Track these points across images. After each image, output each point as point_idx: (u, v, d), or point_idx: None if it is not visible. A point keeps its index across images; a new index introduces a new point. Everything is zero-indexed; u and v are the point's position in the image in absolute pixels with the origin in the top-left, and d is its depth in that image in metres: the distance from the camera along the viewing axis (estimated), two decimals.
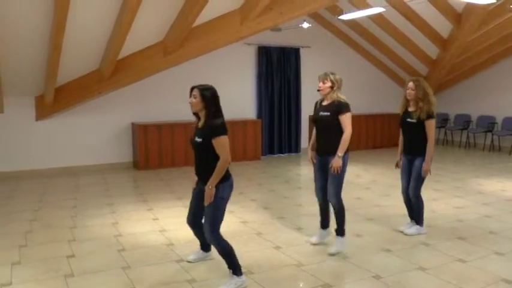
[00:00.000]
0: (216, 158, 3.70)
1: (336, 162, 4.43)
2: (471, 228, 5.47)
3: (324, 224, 4.91)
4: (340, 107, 4.47)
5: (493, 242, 4.98)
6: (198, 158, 3.88)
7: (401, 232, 5.26)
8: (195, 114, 3.89)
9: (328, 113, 4.51)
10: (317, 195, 4.83)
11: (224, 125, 3.75)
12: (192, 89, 3.82)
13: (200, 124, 3.85)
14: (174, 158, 9.48)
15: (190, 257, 4.45)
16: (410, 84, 4.99)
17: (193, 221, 4.13)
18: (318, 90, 4.61)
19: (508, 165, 9.88)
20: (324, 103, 4.62)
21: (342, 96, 4.54)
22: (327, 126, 4.55)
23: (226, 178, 3.78)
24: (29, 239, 5.09)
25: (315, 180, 4.82)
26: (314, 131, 4.79)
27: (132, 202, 6.74)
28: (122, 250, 4.74)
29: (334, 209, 4.66)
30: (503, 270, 4.21)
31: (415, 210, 5.23)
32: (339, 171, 4.47)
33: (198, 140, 3.80)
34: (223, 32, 8.08)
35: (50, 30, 6.58)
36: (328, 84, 4.51)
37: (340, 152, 4.43)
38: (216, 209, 3.77)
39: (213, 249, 4.19)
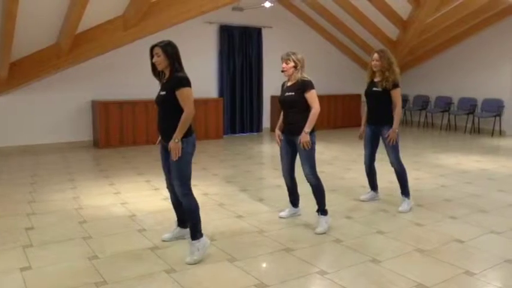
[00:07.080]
0: (180, 113, 3.66)
1: (303, 137, 4.40)
2: (428, 197, 5.67)
3: (295, 203, 4.92)
4: (304, 85, 4.46)
5: (448, 208, 5.20)
6: (162, 113, 3.83)
7: (362, 201, 5.46)
8: (160, 73, 3.84)
9: (293, 93, 4.49)
10: (284, 177, 4.80)
11: (188, 79, 3.73)
12: (152, 48, 3.79)
13: (165, 79, 3.82)
14: (136, 136, 9.35)
15: (165, 236, 4.21)
16: (375, 55, 5.07)
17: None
18: (282, 71, 4.56)
19: (463, 142, 10.24)
20: (289, 84, 4.60)
21: (305, 75, 4.53)
22: (293, 106, 4.53)
23: (189, 134, 3.74)
24: None
25: (282, 162, 4.79)
26: (282, 113, 4.74)
27: (93, 178, 6.62)
28: (83, 222, 4.67)
29: (312, 186, 4.58)
30: (456, 231, 4.41)
31: (400, 180, 5.22)
32: (309, 146, 4.41)
33: (162, 93, 3.77)
34: (185, 6, 7.97)
35: None
36: (291, 64, 4.47)
37: (307, 128, 4.39)
38: (182, 163, 3.71)
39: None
